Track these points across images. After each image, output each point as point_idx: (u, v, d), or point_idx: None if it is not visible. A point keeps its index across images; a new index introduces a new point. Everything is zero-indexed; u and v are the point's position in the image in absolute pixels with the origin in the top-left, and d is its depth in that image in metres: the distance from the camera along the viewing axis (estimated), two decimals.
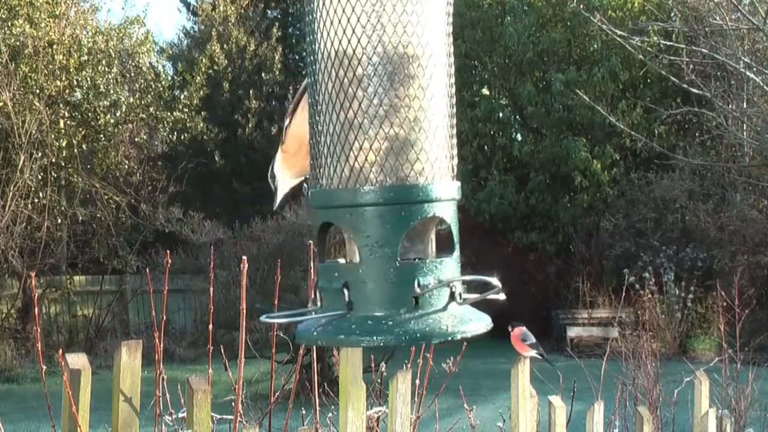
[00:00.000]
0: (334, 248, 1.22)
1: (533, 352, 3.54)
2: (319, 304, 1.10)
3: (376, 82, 1.06)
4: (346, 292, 1.05)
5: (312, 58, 1.11)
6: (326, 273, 1.09)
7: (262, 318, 1.14)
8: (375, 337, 1.02)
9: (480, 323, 1.07)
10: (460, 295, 1.07)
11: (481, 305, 1.10)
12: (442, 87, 1.10)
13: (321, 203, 1.11)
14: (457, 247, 1.09)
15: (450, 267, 1.07)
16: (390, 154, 1.06)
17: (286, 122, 1.38)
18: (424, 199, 1.06)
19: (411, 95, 1.07)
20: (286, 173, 1.42)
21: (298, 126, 1.34)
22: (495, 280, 1.07)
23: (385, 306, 1.04)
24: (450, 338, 1.03)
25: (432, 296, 1.05)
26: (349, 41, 1.06)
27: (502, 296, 1.09)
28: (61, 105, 13.69)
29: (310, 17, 1.11)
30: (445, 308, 1.06)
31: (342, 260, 1.11)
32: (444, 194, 1.08)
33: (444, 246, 1.11)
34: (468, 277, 1.10)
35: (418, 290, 1.04)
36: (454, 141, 1.12)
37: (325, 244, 1.13)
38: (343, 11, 1.06)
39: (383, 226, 1.05)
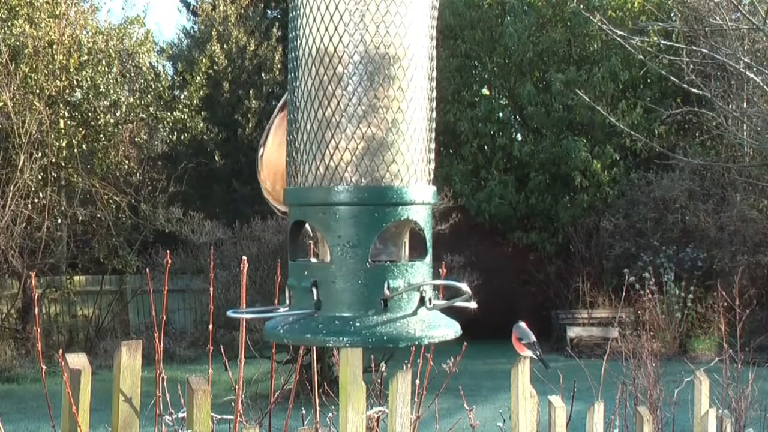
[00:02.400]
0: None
1: (529, 353, 3.53)
2: (288, 302, 1.09)
3: (356, 81, 1.05)
4: (314, 291, 1.04)
5: (293, 54, 1.11)
6: (296, 271, 1.08)
7: (228, 313, 1.13)
8: (341, 338, 1.01)
9: (448, 329, 1.06)
10: (430, 300, 1.06)
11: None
12: (422, 90, 1.09)
13: (295, 201, 1.10)
14: (430, 251, 1.08)
15: (421, 271, 1.06)
16: (366, 154, 1.05)
17: (260, 151, 1.28)
18: (398, 202, 1.05)
19: (390, 96, 1.06)
20: (276, 206, 1.30)
21: (271, 152, 1.25)
22: (465, 286, 1.05)
23: (354, 307, 1.03)
24: (417, 343, 1.02)
25: (402, 300, 1.04)
26: (330, 39, 1.06)
27: (472, 305, 1.07)
28: (61, 105, 13.67)
29: (294, 13, 1.11)
30: (414, 313, 1.05)
31: (313, 259, 1.11)
32: (419, 198, 1.07)
33: (418, 250, 1.09)
34: (439, 282, 1.09)
35: (387, 293, 1.03)
36: (432, 145, 1.11)
37: (296, 243, 1.12)
38: (327, 8, 1.06)
39: (356, 227, 1.04)
